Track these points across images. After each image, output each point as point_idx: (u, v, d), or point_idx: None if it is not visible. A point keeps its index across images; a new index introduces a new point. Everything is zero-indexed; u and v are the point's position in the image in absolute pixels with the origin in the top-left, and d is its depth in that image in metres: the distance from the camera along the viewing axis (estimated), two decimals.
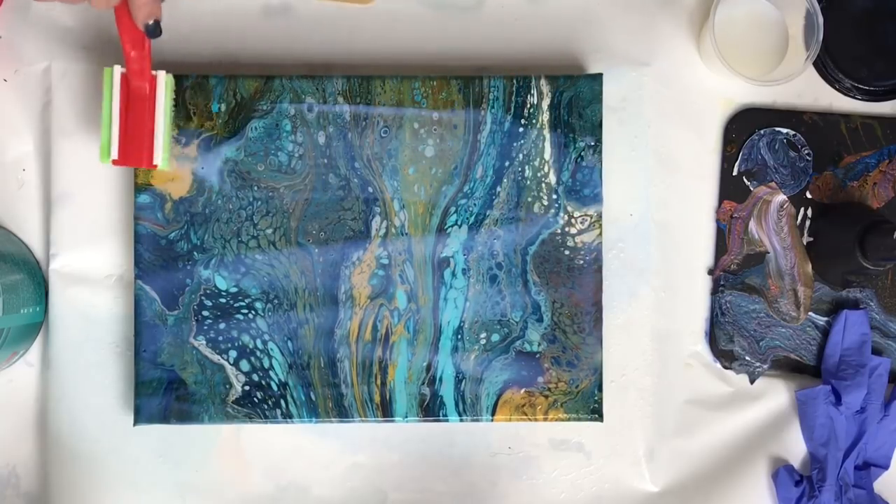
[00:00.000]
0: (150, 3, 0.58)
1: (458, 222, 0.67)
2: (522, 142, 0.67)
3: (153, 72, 0.63)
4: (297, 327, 0.66)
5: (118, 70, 0.63)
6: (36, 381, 0.69)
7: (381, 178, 0.67)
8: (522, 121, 0.67)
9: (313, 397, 0.66)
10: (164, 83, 0.63)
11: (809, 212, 0.71)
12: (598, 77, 0.67)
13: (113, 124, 0.62)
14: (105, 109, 0.63)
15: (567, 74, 0.67)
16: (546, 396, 0.67)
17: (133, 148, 0.63)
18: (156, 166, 0.63)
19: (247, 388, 0.66)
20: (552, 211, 0.67)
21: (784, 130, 0.71)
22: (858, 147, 0.71)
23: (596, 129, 0.67)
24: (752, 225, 0.71)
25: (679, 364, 0.71)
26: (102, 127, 0.63)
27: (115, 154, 0.62)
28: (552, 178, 0.67)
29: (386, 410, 0.66)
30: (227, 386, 0.66)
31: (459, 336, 0.67)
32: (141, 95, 0.63)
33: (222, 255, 0.66)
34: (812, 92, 0.72)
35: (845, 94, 0.72)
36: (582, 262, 0.67)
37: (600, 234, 0.67)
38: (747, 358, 0.71)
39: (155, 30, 0.60)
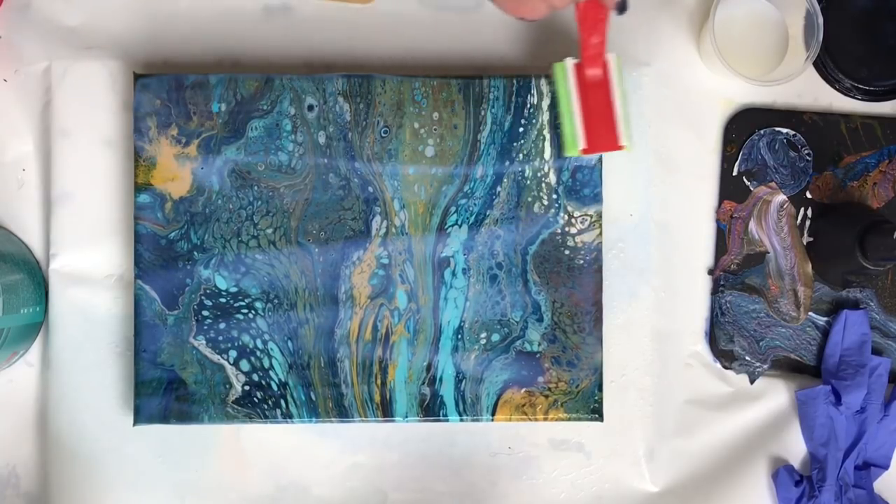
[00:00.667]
0: None
1: (459, 222, 0.67)
2: (522, 142, 0.67)
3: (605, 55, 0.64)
4: (297, 327, 0.66)
5: (570, 61, 0.64)
6: (36, 381, 0.69)
7: (381, 178, 0.67)
8: (522, 121, 0.67)
9: (313, 397, 0.66)
10: (615, 65, 0.64)
11: (809, 212, 0.71)
12: None
13: (574, 115, 0.64)
14: (563, 102, 0.64)
15: None
16: (546, 396, 0.67)
17: (598, 134, 0.64)
18: (623, 147, 0.64)
19: (247, 387, 0.66)
20: (552, 211, 0.67)
21: (784, 130, 0.71)
22: (858, 147, 0.71)
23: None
24: (752, 225, 0.71)
25: (679, 364, 0.71)
26: (563, 120, 0.64)
27: (582, 144, 0.64)
28: (552, 178, 0.67)
29: (386, 410, 0.66)
30: (227, 386, 0.66)
31: (460, 336, 0.67)
32: (596, 81, 0.64)
33: (222, 254, 0.66)
34: (812, 92, 0.72)
35: (845, 94, 0.72)
36: (582, 262, 0.67)
37: (600, 234, 0.67)
38: (747, 358, 0.71)
39: (623, 5, 0.59)
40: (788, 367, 0.71)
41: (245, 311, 0.66)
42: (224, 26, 0.70)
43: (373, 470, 0.70)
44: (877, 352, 0.71)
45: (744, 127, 0.71)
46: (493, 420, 0.67)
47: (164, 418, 0.66)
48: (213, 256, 0.66)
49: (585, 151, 0.64)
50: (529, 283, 0.67)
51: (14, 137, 0.70)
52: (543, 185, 0.67)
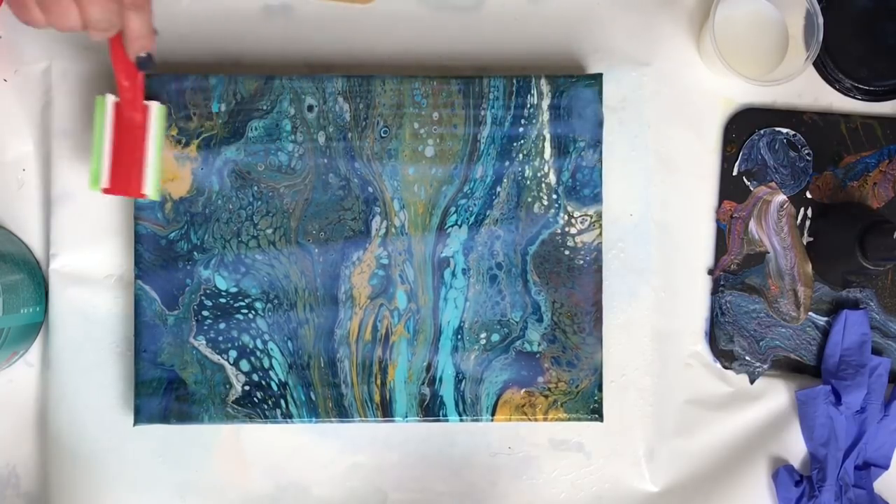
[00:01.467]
0: (143, 37, 0.58)
1: (458, 222, 0.67)
2: (522, 142, 0.67)
3: (145, 102, 0.63)
4: (297, 327, 0.66)
5: (111, 99, 0.63)
6: (36, 381, 0.69)
7: (381, 178, 0.67)
8: (522, 121, 0.67)
9: (313, 397, 0.66)
10: (156, 114, 0.64)
11: (809, 212, 0.71)
12: (598, 77, 0.67)
13: (104, 153, 0.63)
14: (96, 137, 0.63)
15: (567, 74, 0.67)
16: (546, 396, 0.67)
17: (123, 177, 0.63)
18: (145, 196, 0.64)
19: (247, 388, 0.66)
20: (552, 211, 0.67)
21: (784, 130, 0.71)
22: (858, 147, 0.71)
23: (596, 129, 0.67)
24: (752, 225, 0.71)
25: (679, 364, 0.71)
26: (93, 155, 0.63)
27: (104, 183, 0.63)
28: (552, 178, 0.67)
29: (386, 410, 0.66)
30: (227, 386, 0.66)
31: (459, 336, 0.67)
32: (133, 125, 0.63)
33: (222, 255, 0.66)
34: (812, 92, 0.72)
35: (845, 94, 0.72)
36: (582, 262, 0.67)
37: (600, 234, 0.67)
38: (747, 358, 0.71)
39: (147, 63, 0.60)
40: (788, 367, 0.71)
41: (245, 311, 0.66)
42: (224, 26, 0.70)
43: (373, 470, 0.70)
44: (877, 352, 0.71)
45: (744, 127, 0.71)
46: (492, 420, 0.67)
47: (164, 418, 0.66)
48: (213, 257, 0.66)
49: (107, 191, 0.63)
50: (529, 284, 0.67)
51: (14, 137, 0.70)
52: (543, 185, 0.67)
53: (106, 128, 0.63)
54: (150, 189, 0.63)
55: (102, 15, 0.55)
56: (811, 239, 0.71)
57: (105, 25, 0.56)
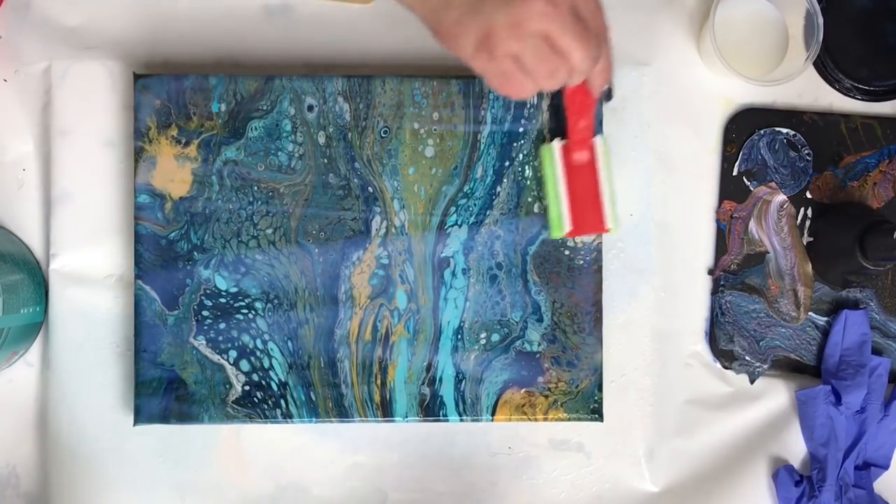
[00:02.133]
0: (608, 69, 0.58)
1: (458, 222, 0.67)
2: (522, 142, 0.67)
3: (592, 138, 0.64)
4: (297, 327, 0.66)
5: (557, 143, 0.64)
6: (36, 381, 0.69)
7: (381, 178, 0.67)
8: (522, 121, 0.67)
9: (313, 397, 0.66)
10: (601, 147, 0.64)
11: (809, 212, 0.71)
12: None
13: (561, 197, 0.64)
14: (549, 183, 0.65)
15: None
16: (546, 396, 0.67)
17: (585, 216, 0.64)
18: (608, 230, 0.65)
19: (247, 388, 0.66)
20: None
21: (784, 130, 0.71)
22: (858, 147, 0.71)
23: (596, 128, 0.67)
24: (752, 225, 0.71)
25: (679, 364, 0.71)
26: (549, 201, 0.65)
27: (568, 226, 0.64)
28: None
29: (386, 410, 0.66)
30: (227, 386, 0.66)
31: (459, 336, 0.67)
32: (584, 164, 0.64)
33: (222, 255, 0.66)
34: (812, 92, 0.72)
35: (845, 94, 0.72)
36: (582, 262, 0.67)
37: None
38: (747, 358, 0.71)
39: (609, 94, 0.60)
40: (788, 367, 0.71)
41: (245, 311, 0.66)
42: (224, 26, 0.70)
43: (373, 470, 0.70)
44: (877, 352, 0.71)
45: (744, 127, 0.71)
46: (492, 420, 0.67)
47: (164, 418, 0.66)
48: (213, 257, 0.66)
49: (571, 234, 0.65)
50: (529, 284, 0.67)
51: (14, 137, 0.70)
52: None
53: (558, 172, 0.64)
54: (612, 222, 0.65)
55: (588, 55, 0.53)
56: (811, 239, 0.71)
57: (590, 66, 0.54)
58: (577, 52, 0.53)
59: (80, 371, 0.68)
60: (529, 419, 0.67)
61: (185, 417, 0.66)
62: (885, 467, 0.70)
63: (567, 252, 0.67)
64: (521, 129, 0.67)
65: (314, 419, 0.66)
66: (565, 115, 0.63)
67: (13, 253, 0.67)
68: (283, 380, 0.66)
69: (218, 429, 0.69)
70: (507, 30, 0.51)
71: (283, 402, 0.66)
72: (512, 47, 0.52)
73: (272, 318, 0.66)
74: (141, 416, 0.66)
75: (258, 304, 0.66)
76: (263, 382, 0.66)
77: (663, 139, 0.71)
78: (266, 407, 0.66)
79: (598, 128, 0.65)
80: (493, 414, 0.67)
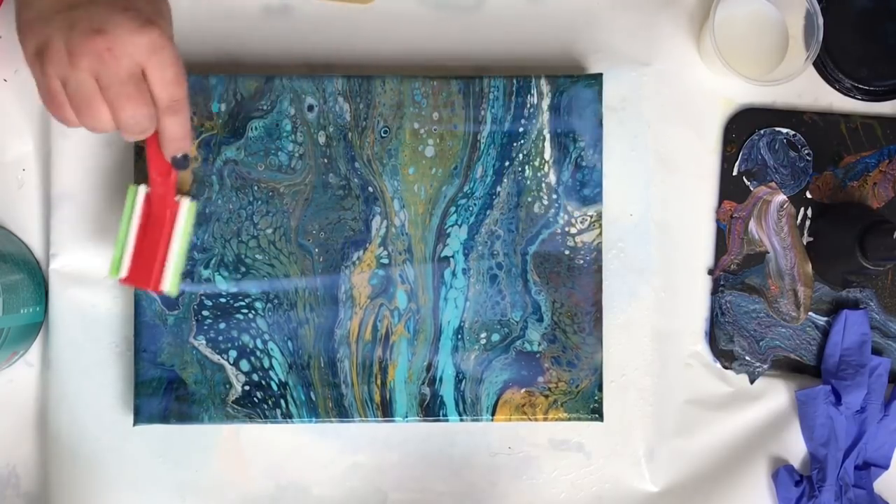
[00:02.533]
0: (180, 139, 0.57)
1: (458, 222, 0.67)
2: (522, 142, 0.67)
3: (176, 198, 0.62)
4: (297, 327, 0.66)
5: (143, 189, 0.62)
6: (36, 381, 0.69)
7: (381, 178, 0.67)
8: (522, 121, 0.67)
9: (313, 397, 0.66)
10: (185, 210, 0.63)
11: (809, 212, 0.71)
12: (598, 77, 0.67)
13: (128, 242, 0.62)
14: (122, 226, 0.62)
15: (567, 74, 0.67)
16: (546, 396, 0.67)
17: (143, 269, 0.62)
18: (162, 292, 0.63)
19: (247, 388, 0.66)
20: (552, 211, 0.67)
21: (784, 130, 0.71)
22: (858, 147, 0.71)
23: (596, 129, 0.67)
24: (752, 225, 0.71)
25: (679, 364, 0.71)
26: (116, 242, 0.62)
27: (124, 272, 0.62)
28: (552, 178, 0.67)
29: (386, 410, 0.66)
30: (227, 386, 0.66)
31: (459, 336, 0.67)
32: (160, 219, 0.62)
33: (222, 255, 0.66)
34: (812, 92, 0.72)
35: (845, 94, 0.72)
36: (582, 261, 0.67)
37: (600, 234, 0.67)
38: (747, 358, 0.71)
39: (183, 163, 0.59)
40: (788, 367, 0.71)
41: (245, 311, 0.66)
42: (224, 26, 0.70)
43: (373, 470, 0.70)
44: (877, 352, 0.71)
45: (744, 127, 0.71)
46: (492, 420, 0.67)
47: (164, 418, 0.66)
48: (213, 256, 0.66)
49: (123, 281, 0.62)
50: (529, 283, 0.67)
51: (14, 137, 0.70)
52: (543, 185, 0.67)
53: (133, 218, 0.62)
54: (169, 285, 0.63)
55: (135, 119, 0.54)
56: (811, 239, 0.71)
57: (138, 129, 0.54)
58: (122, 111, 0.53)
59: (80, 371, 0.68)
60: (529, 419, 0.67)
61: (185, 417, 0.66)
62: (885, 467, 0.70)
63: (567, 252, 0.67)
64: (521, 129, 0.67)
65: (314, 419, 0.66)
66: (147, 166, 0.61)
67: (13, 253, 0.67)
68: (283, 380, 0.66)
69: (218, 429, 0.69)
70: (60, 54, 0.51)
71: (283, 402, 0.66)
72: (59, 71, 0.52)
73: (272, 317, 0.66)
74: (141, 416, 0.66)
75: (258, 304, 0.66)
76: (263, 382, 0.66)
77: (663, 139, 0.71)
78: (266, 407, 0.66)
79: (195, 189, 0.64)
80: (493, 414, 0.67)
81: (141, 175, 0.66)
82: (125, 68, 0.52)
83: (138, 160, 0.66)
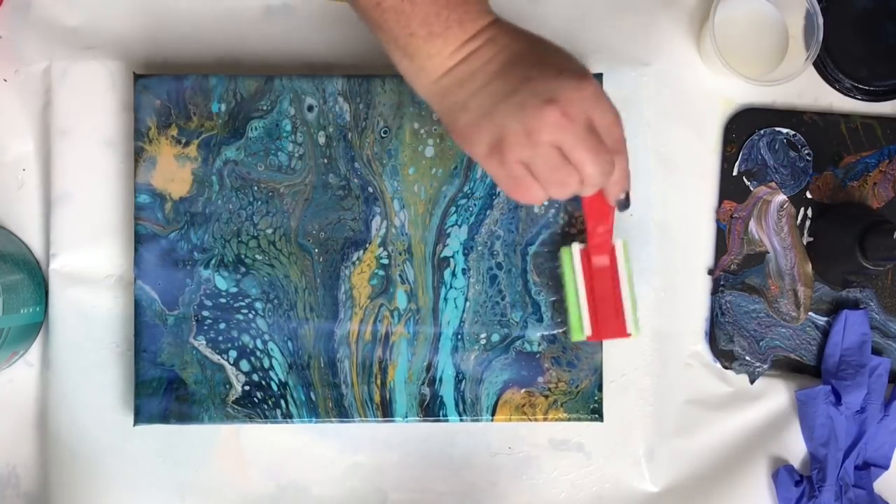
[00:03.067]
0: (624, 179, 0.57)
1: (458, 222, 0.67)
2: None
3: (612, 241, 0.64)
4: (297, 327, 0.66)
5: (577, 247, 0.64)
6: (36, 381, 0.70)
7: (381, 178, 0.67)
8: None
9: (313, 397, 0.66)
10: (622, 251, 0.64)
11: (809, 212, 0.71)
12: (598, 77, 0.67)
13: (581, 301, 0.64)
14: (569, 287, 0.64)
15: None
16: (546, 396, 0.67)
17: (605, 320, 0.64)
18: (629, 335, 0.64)
19: (247, 388, 0.66)
20: (552, 211, 0.67)
21: (784, 130, 0.71)
22: (858, 147, 0.71)
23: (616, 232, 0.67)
24: (752, 225, 0.71)
25: (679, 364, 0.71)
26: (569, 305, 0.64)
27: (588, 331, 0.64)
28: None
29: (386, 410, 0.66)
30: (227, 386, 0.66)
31: (459, 336, 0.67)
32: (602, 267, 0.63)
33: (222, 255, 0.66)
34: (812, 92, 0.72)
35: (845, 94, 0.72)
36: None
37: None
38: (747, 358, 0.71)
39: (626, 203, 0.59)
40: (788, 367, 0.71)
41: (245, 311, 0.66)
42: (224, 26, 0.70)
43: (373, 470, 0.70)
44: (877, 352, 0.71)
45: (744, 127, 0.71)
46: (492, 420, 0.67)
47: (164, 418, 0.66)
48: (213, 257, 0.66)
49: (591, 338, 0.64)
50: (529, 283, 0.67)
51: (14, 137, 0.70)
52: None
53: (577, 276, 0.64)
54: (632, 327, 0.64)
55: (601, 168, 0.53)
56: (811, 239, 0.71)
57: (604, 178, 0.54)
58: (589, 165, 0.53)
59: (80, 371, 0.68)
60: (529, 419, 0.67)
61: (185, 417, 0.66)
62: (885, 467, 0.70)
63: None
64: None
65: (314, 419, 0.66)
66: (584, 220, 0.63)
67: (13, 253, 0.67)
68: (283, 380, 0.66)
69: (218, 429, 0.69)
70: (518, 137, 0.52)
71: (283, 402, 0.66)
72: (522, 154, 0.52)
73: (272, 318, 0.66)
74: (141, 416, 0.66)
75: (258, 304, 0.66)
76: (263, 382, 0.66)
77: (664, 139, 0.71)
78: (266, 407, 0.66)
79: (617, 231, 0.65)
80: (493, 414, 0.67)
81: (144, 176, 0.66)
82: (581, 124, 0.52)
83: (138, 160, 0.66)
